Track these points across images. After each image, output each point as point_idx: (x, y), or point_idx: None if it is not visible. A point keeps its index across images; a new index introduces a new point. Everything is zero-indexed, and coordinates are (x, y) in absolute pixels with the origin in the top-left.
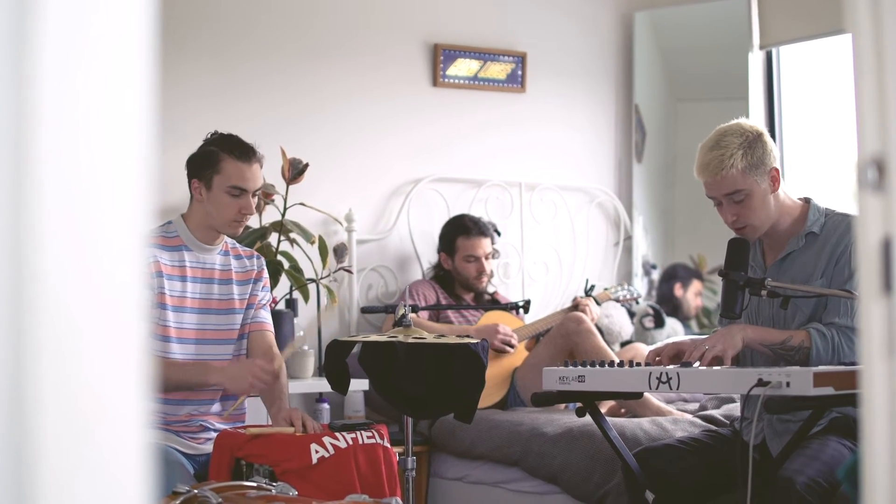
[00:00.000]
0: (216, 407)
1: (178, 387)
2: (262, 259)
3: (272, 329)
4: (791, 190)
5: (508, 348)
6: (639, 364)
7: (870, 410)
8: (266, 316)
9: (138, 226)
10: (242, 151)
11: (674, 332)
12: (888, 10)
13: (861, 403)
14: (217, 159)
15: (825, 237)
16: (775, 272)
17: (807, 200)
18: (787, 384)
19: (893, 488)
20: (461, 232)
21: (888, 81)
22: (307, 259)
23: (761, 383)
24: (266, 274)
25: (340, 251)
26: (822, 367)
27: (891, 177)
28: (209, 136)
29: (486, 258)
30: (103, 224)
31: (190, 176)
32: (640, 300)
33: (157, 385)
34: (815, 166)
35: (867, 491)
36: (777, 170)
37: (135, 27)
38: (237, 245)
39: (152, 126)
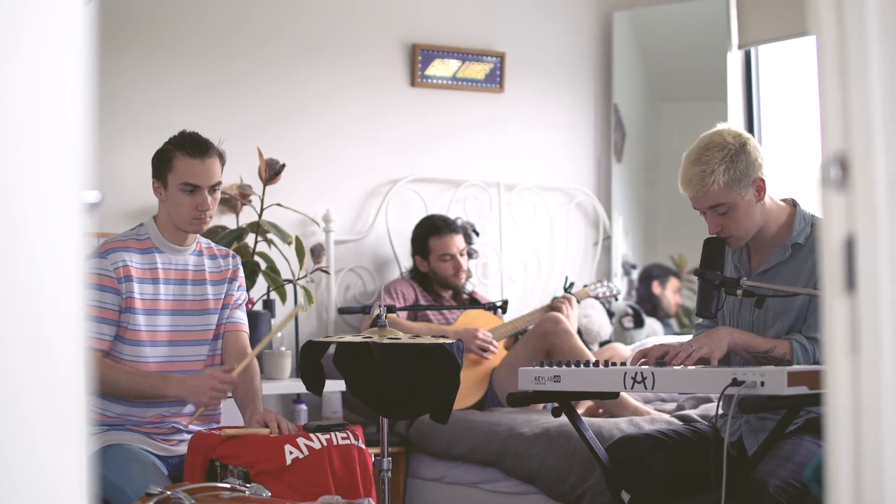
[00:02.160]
0: (188, 408)
1: (136, 396)
2: (238, 258)
3: (247, 329)
4: (773, 190)
5: (485, 354)
6: (615, 364)
7: (834, 408)
8: (241, 316)
9: (73, 222)
10: (194, 148)
11: (653, 331)
12: (850, 11)
13: (825, 401)
14: (170, 157)
15: (809, 247)
16: (759, 281)
17: (793, 204)
18: (762, 384)
19: (857, 485)
20: (432, 232)
21: (851, 81)
22: (284, 260)
23: (736, 383)
24: (241, 273)
25: (318, 252)
26: (796, 367)
27: (854, 175)
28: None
29: (461, 255)
30: (38, 218)
31: (152, 177)
32: (619, 297)
33: (116, 392)
34: (793, 165)
35: (831, 488)
36: (763, 179)
37: (71, 31)
38: (212, 245)
39: (89, 128)
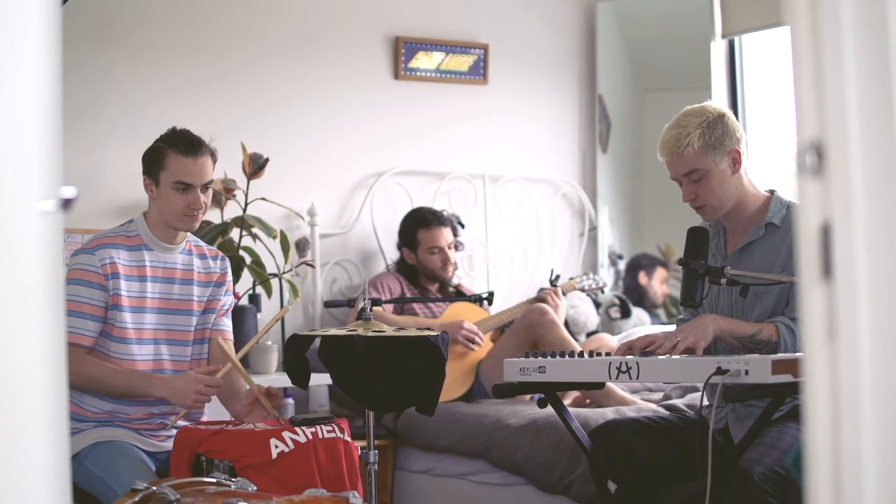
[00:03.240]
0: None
1: (120, 394)
2: (227, 261)
3: (232, 337)
4: (755, 178)
5: (471, 345)
6: (600, 354)
7: (812, 395)
8: (227, 323)
9: (37, 220)
10: (187, 146)
11: (640, 321)
12: (824, 0)
13: (803, 389)
14: (162, 155)
15: (786, 229)
16: (735, 261)
17: (772, 192)
18: (746, 372)
19: (836, 472)
20: (421, 224)
21: (825, 68)
22: (269, 254)
23: (720, 371)
24: (230, 277)
25: (302, 245)
26: (780, 355)
27: (829, 162)
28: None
29: (449, 248)
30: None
31: (143, 174)
32: (605, 289)
33: (100, 390)
34: (778, 153)
35: (811, 475)
36: (738, 151)
37: (34, 32)
38: (202, 244)
39: (55, 126)
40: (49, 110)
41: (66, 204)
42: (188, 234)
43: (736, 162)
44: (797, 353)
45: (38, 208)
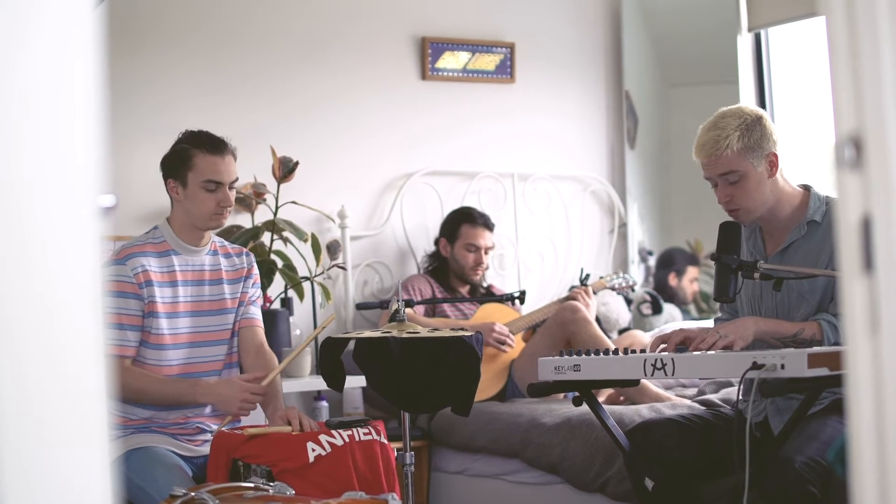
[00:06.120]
0: (210, 408)
1: (165, 403)
2: (252, 256)
3: (262, 325)
4: (787, 173)
5: (503, 347)
6: (634, 351)
7: (855, 389)
8: (256, 312)
9: (88, 227)
10: (213, 145)
11: (671, 317)
12: None
13: (846, 383)
14: (189, 156)
15: (828, 226)
16: (777, 263)
17: (807, 188)
18: (782, 366)
19: (881, 465)
20: (467, 220)
21: (862, 60)
22: (301, 257)
23: (756, 366)
24: (256, 270)
25: (334, 248)
26: (816, 349)
27: (868, 155)
28: (180, 135)
29: (486, 252)
30: (52, 225)
31: (165, 177)
32: (635, 288)
33: (143, 399)
34: (808, 147)
35: (855, 470)
36: (776, 155)
37: (80, 33)
38: (226, 243)
39: (101, 131)
40: (95, 116)
41: (105, 212)
42: (213, 235)
43: (773, 165)
44: (834, 347)
45: (83, 215)
